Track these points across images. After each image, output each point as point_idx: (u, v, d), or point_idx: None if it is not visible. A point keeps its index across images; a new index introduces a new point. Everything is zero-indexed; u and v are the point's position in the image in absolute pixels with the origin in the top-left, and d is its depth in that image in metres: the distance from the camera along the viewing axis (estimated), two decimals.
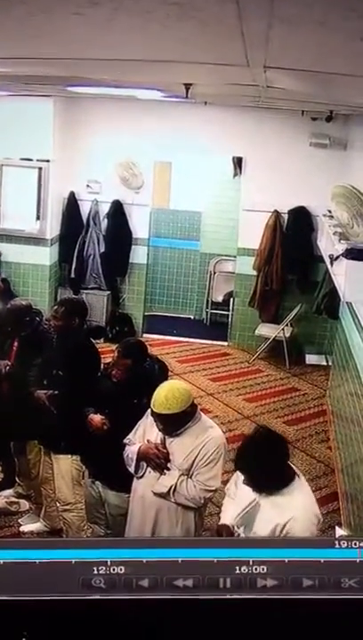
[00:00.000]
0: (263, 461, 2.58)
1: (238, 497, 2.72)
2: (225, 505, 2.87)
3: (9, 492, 4.39)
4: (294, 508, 2.53)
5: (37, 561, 1.39)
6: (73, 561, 1.38)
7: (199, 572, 1.40)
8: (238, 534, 2.66)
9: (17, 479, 4.38)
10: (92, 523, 3.72)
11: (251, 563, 1.41)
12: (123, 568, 1.39)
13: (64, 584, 1.38)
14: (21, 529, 4.19)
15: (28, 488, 4.33)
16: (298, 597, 1.40)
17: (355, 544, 1.45)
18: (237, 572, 1.40)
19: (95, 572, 1.38)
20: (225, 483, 3.24)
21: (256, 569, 1.41)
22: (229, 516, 2.77)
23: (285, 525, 2.51)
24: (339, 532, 3.27)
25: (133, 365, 3.45)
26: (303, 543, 1.49)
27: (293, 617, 1.42)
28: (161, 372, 3.67)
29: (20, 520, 4.27)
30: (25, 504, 4.35)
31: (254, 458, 2.60)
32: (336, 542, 1.45)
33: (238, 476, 2.73)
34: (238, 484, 2.72)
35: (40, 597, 1.38)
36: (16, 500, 4.37)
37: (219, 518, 2.93)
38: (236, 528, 2.68)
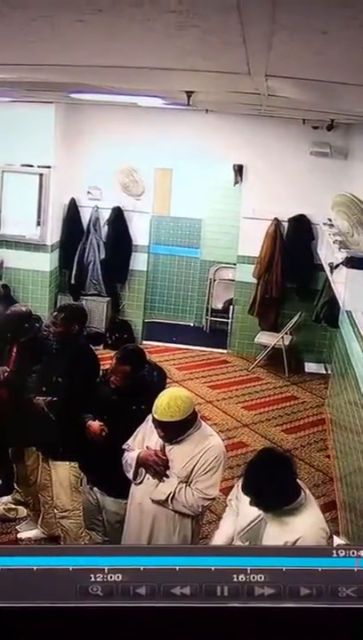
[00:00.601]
0: (269, 484, 2.53)
1: (242, 511, 2.67)
2: (225, 517, 2.85)
3: (7, 498, 4.36)
4: (303, 527, 2.47)
5: (35, 568, 1.38)
6: (70, 568, 1.38)
7: (197, 580, 1.40)
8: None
9: (15, 486, 4.35)
10: (90, 530, 3.70)
11: (249, 571, 1.40)
12: (120, 575, 1.38)
13: (61, 591, 1.38)
14: (19, 535, 4.17)
15: (26, 495, 4.30)
16: (295, 606, 1.40)
17: (353, 553, 1.44)
18: (235, 580, 1.40)
19: (92, 579, 1.38)
20: (223, 491, 3.23)
21: (254, 577, 1.40)
22: (226, 527, 2.75)
23: (294, 544, 2.42)
24: (337, 540, 3.25)
25: (132, 372, 3.44)
26: (301, 552, 1.49)
27: (290, 626, 1.41)
28: (160, 379, 3.67)
29: (17, 527, 4.24)
30: (23, 511, 4.33)
31: (259, 481, 2.55)
32: (334, 551, 1.44)
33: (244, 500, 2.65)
34: (241, 497, 2.66)
35: (37, 604, 1.37)
36: (14, 506, 4.34)
37: (217, 527, 2.91)
38: (239, 541, 2.64)
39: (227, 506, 2.89)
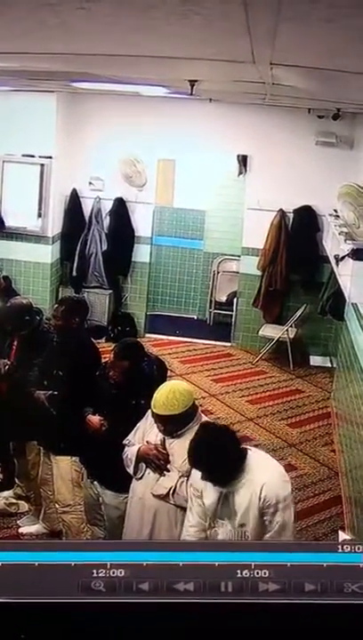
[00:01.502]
0: (215, 457, 2.63)
1: (206, 496, 2.72)
2: (188, 513, 2.86)
3: (8, 493, 4.35)
4: (262, 476, 2.61)
5: (37, 563, 1.37)
6: (72, 563, 1.37)
7: (200, 576, 1.39)
8: (224, 525, 2.67)
9: (16, 480, 4.35)
10: (92, 524, 3.69)
11: (253, 566, 1.39)
12: (123, 571, 1.37)
13: (63, 587, 1.37)
14: (20, 530, 4.16)
15: (27, 489, 4.29)
16: (300, 602, 1.39)
17: (358, 548, 1.43)
18: (239, 575, 1.39)
19: (95, 574, 1.37)
20: None
21: (258, 573, 1.39)
22: (192, 519, 2.79)
23: (260, 493, 2.58)
24: (342, 536, 3.25)
25: (130, 366, 3.42)
26: (306, 547, 1.48)
27: (295, 622, 1.40)
28: (160, 372, 3.64)
29: (19, 522, 4.23)
30: (24, 505, 4.32)
31: (205, 455, 2.64)
32: (339, 546, 1.43)
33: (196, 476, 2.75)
34: (198, 484, 2.73)
35: (39, 600, 1.36)
36: (15, 501, 4.33)
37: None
38: (218, 519, 2.70)
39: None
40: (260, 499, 2.59)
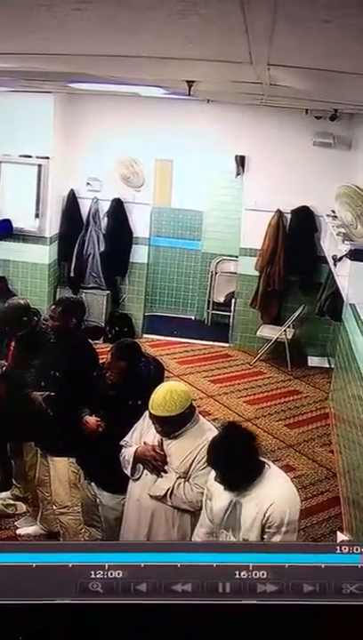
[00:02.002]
0: (234, 458, 2.61)
1: (215, 501, 2.71)
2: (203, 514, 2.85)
3: (5, 494, 4.34)
4: (273, 494, 2.58)
5: (34, 564, 1.37)
6: (70, 564, 1.37)
7: (198, 577, 1.38)
8: (228, 537, 2.65)
9: (14, 481, 4.34)
10: (90, 526, 3.69)
11: (251, 567, 1.39)
12: (120, 572, 1.37)
13: (61, 588, 1.37)
14: (18, 532, 4.15)
15: (25, 490, 4.29)
16: (298, 603, 1.38)
17: (357, 549, 1.43)
18: (237, 576, 1.39)
19: (92, 575, 1.37)
20: None
21: (256, 574, 1.39)
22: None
23: (266, 511, 2.55)
24: (340, 536, 3.25)
25: (128, 367, 3.41)
26: (304, 548, 1.48)
27: (293, 623, 1.40)
28: (157, 373, 3.63)
29: (16, 523, 4.23)
30: (22, 507, 4.31)
31: (224, 454, 2.62)
32: (338, 547, 1.43)
33: (211, 477, 2.73)
34: (213, 488, 2.72)
35: (36, 601, 1.36)
36: (13, 502, 4.33)
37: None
38: (223, 530, 2.68)
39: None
40: (264, 515, 2.55)
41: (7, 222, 7.09)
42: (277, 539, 2.55)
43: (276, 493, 2.58)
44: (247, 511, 2.59)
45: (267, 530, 2.57)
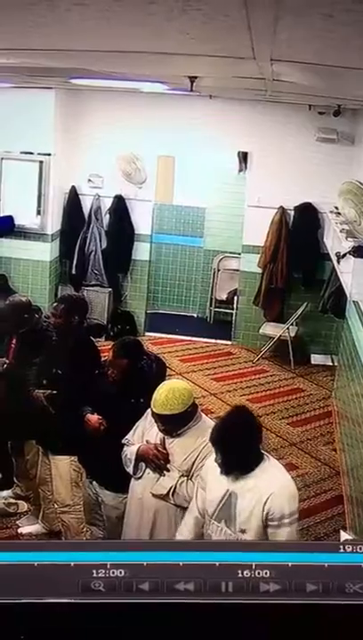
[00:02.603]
0: (238, 439, 2.63)
1: (210, 491, 2.72)
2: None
3: (7, 492, 4.34)
4: (272, 485, 2.59)
5: (36, 563, 1.36)
6: (72, 563, 1.36)
7: (201, 576, 1.38)
8: (221, 529, 2.66)
9: (15, 480, 4.34)
10: (91, 524, 3.68)
11: (254, 566, 1.38)
12: (123, 571, 1.36)
13: (63, 587, 1.36)
14: (20, 530, 4.15)
15: (26, 489, 4.28)
16: (301, 602, 1.38)
17: (360, 549, 1.42)
18: (240, 575, 1.38)
19: (94, 574, 1.36)
20: None
21: (259, 573, 1.38)
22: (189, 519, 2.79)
23: (265, 503, 2.56)
24: (344, 535, 3.24)
25: (130, 365, 3.40)
26: (307, 547, 1.47)
27: (296, 622, 1.39)
28: (159, 370, 3.62)
29: (18, 521, 4.22)
30: (23, 505, 4.30)
31: (230, 434, 2.65)
32: (341, 546, 1.42)
33: (208, 466, 2.76)
34: (207, 476, 2.74)
35: (38, 600, 1.35)
36: (14, 501, 4.32)
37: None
38: (214, 522, 2.68)
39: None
40: (264, 509, 2.56)
41: (9, 218, 7.08)
42: (282, 531, 2.56)
43: (274, 485, 2.60)
44: (245, 501, 2.61)
45: (270, 523, 2.57)
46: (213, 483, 2.70)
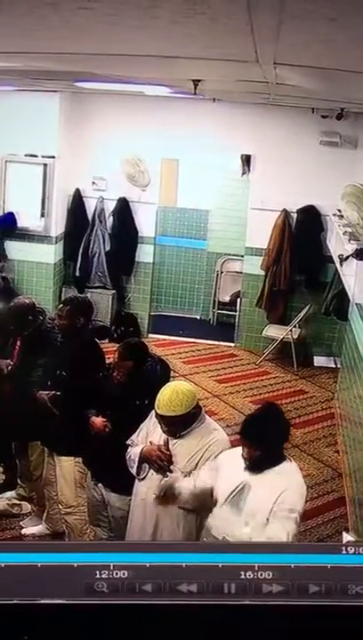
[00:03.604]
0: (267, 436, 2.71)
1: (226, 479, 2.76)
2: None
3: (10, 494, 4.34)
4: (286, 483, 2.66)
5: (39, 564, 1.37)
6: (75, 564, 1.37)
7: (203, 577, 1.38)
8: (226, 519, 2.69)
9: (19, 481, 4.34)
10: (95, 526, 3.68)
11: (256, 568, 1.39)
12: (126, 572, 1.37)
13: (66, 588, 1.37)
14: (23, 532, 4.15)
15: (30, 490, 4.28)
16: (304, 604, 1.38)
17: (362, 550, 1.42)
18: (242, 577, 1.38)
19: (98, 575, 1.37)
20: None
21: (262, 574, 1.39)
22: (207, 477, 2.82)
23: (278, 497, 2.61)
24: (346, 537, 3.24)
25: (135, 367, 3.41)
26: (310, 548, 1.47)
27: (298, 623, 1.40)
28: (163, 372, 3.63)
29: (21, 523, 4.22)
30: (27, 506, 4.30)
31: (260, 431, 2.72)
32: (343, 548, 1.42)
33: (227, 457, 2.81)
34: (224, 465, 2.78)
35: (41, 601, 1.36)
36: (18, 502, 4.32)
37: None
38: (220, 511, 2.73)
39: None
40: (275, 502, 2.61)
41: (11, 215, 7.07)
42: (282, 523, 2.58)
43: (288, 483, 2.67)
44: (256, 496, 2.65)
45: (276, 514, 2.60)
46: (228, 473, 2.75)
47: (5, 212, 7.13)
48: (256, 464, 2.68)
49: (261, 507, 2.63)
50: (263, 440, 2.69)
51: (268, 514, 2.60)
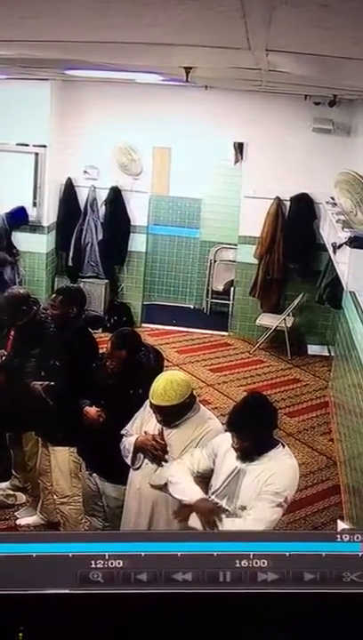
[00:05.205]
0: (254, 426, 2.69)
1: (221, 467, 2.76)
2: (183, 477, 2.82)
3: (5, 484, 4.34)
4: (277, 466, 2.67)
5: (34, 554, 1.37)
6: (70, 554, 1.37)
7: (199, 566, 1.39)
8: (219, 505, 2.69)
9: (13, 472, 4.34)
10: (90, 515, 3.69)
11: (251, 556, 1.40)
12: (121, 562, 1.37)
13: (61, 578, 1.37)
14: (18, 522, 4.15)
15: (24, 481, 4.28)
16: (299, 591, 1.39)
17: (357, 538, 1.43)
18: (238, 565, 1.39)
19: (93, 565, 1.37)
20: None
21: (257, 563, 1.40)
22: (197, 489, 2.78)
23: (266, 480, 2.62)
24: (341, 525, 3.27)
25: (128, 356, 3.40)
26: (305, 537, 1.48)
27: (294, 611, 1.41)
28: (157, 362, 3.63)
29: (16, 513, 4.22)
30: (21, 497, 4.30)
31: (246, 421, 2.71)
32: (338, 536, 1.43)
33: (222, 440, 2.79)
34: (221, 452, 2.77)
35: (37, 591, 1.36)
36: (12, 492, 4.32)
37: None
38: (215, 499, 2.72)
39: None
40: (264, 484, 2.62)
41: (22, 211, 7.02)
42: (267, 506, 2.59)
43: (279, 466, 2.67)
44: (248, 480, 2.66)
45: (257, 494, 2.62)
46: (224, 458, 2.75)
47: (15, 205, 7.07)
48: (246, 453, 2.68)
49: (254, 491, 2.64)
50: (250, 430, 2.68)
51: (256, 496, 2.63)
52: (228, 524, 2.62)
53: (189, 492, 2.78)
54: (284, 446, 2.77)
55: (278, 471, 2.65)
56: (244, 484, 2.67)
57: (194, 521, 2.70)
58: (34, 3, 1.53)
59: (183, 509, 2.77)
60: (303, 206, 7.11)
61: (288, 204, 7.20)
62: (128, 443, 3.12)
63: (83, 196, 7.46)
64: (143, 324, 7.72)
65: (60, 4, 1.55)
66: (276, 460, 2.70)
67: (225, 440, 2.78)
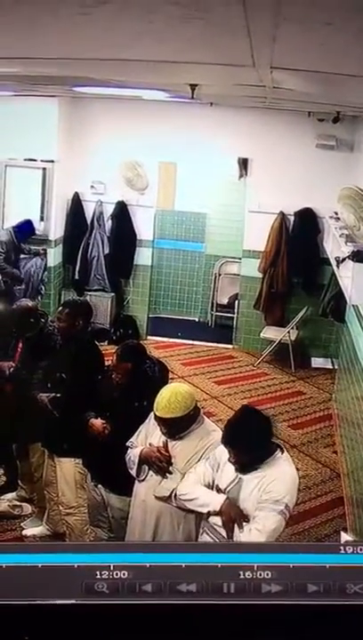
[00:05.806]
0: (248, 440, 2.71)
1: (223, 476, 2.77)
2: (197, 490, 2.85)
3: (11, 495, 4.35)
4: (276, 473, 2.68)
5: (40, 565, 1.37)
6: (76, 565, 1.37)
7: (203, 577, 1.39)
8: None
9: (19, 482, 4.35)
10: (95, 526, 3.69)
11: (255, 568, 1.40)
12: (126, 573, 1.37)
13: (66, 588, 1.37)
14: (24, 533, 4.15)
15: (30, 491, 4.29)
16: (303, 603, 1.38)
17: (361, 549, 1.43)
18: (242, 577, 1.39)
19: (98, 576, 1.37)
20: None
21: (261, 574, 1.39)
22: (217, 496, 2.79)
23: (266, 487, 2.63)
24: (345, 537, 3.25)
25: (133, 369, 3.43)
26: (308, 548, 1.48)
27: (297, 623, 1.40)
28: (161, 374, 3.64)
29: (22, 524, 4.23)
30: (28, 507, 4.31)
31: (240, 436, 2.72)
32: (342, 547, 1.43)
33: (217, 457, 2.81)
34: (223, 462, 2.79)
35: (42, 602, 1.36)
36: (19, 503, 4.33)
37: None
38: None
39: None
40: (263, 492, 2.64)
41: (29, 223, 7.08)
42: (267, 515, 2.59)
43: (279, 473, 2.68)
44: (248, 487, 2.68)
45: (258, 503, 2.62)
46: (225, 467, 2.77)
47: (7, 220, 7.13)
48: (244, 466, 2.70)
49: (253, 500, 2.65)
50: (244, 444, 2.70)
51: (257, 505, 2.64)
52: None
53: (211, 501, 2.80)
54: (283, 451, 2.78)
55: (276, 478, 2.66)
56: (244, 493, 2.69)
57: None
58: (43, 21, 1.56)
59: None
60: (307, 221, 7.15)
61: (292, 218, 7.24)
62: (133, 454, 3.13)
63: (89, 211, 7.52)
64: (149, 337, 7.75)
65: (68, 23, 1.58)
66: (274, 466, 2.71)
67: (226, 450, 2.79)
